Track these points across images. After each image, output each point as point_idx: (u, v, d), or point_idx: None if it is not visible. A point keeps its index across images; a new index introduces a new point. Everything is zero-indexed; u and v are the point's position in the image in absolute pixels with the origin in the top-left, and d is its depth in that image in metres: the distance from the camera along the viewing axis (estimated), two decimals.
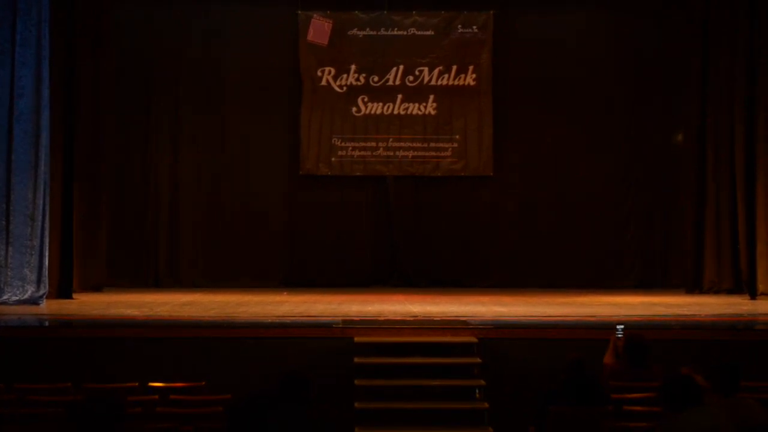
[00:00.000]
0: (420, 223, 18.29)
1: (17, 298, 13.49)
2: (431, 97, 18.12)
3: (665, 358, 8.94)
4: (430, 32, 18.16)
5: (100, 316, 12.25)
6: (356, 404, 9.62)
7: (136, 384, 8.33)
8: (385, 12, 18.07)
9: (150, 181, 18.07)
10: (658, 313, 12.87)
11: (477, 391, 9.93)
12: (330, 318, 11.69)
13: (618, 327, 8.82)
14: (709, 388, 6.61)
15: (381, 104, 18.11)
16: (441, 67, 18.13)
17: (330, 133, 18.11)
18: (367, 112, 18.12)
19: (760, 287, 15.32)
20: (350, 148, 18.12)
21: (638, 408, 7.69)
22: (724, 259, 16.34)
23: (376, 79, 18.09)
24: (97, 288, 16.33)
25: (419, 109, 18.12)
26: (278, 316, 12.05)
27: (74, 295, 15.05)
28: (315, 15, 18.05)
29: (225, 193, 18.25)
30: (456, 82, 18.10)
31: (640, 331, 9.06)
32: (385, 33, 18.14)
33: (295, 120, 18.15)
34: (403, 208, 18.29)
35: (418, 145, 18.12)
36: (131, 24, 17.93)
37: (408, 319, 11.79)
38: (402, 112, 18.12)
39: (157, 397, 8.13)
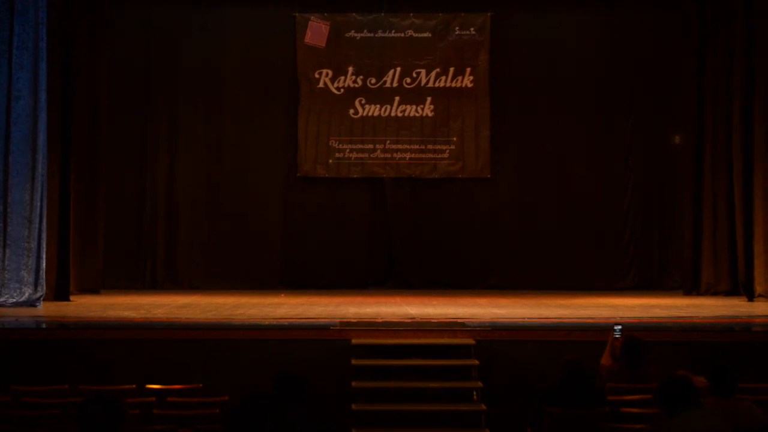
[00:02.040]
0: (417, 224, 18.27)
1: (14, 300, 13.48)
2: (429, 99, 18.12)
3: (663, 359, 8.94)
4: (427, 34, 18.16)
5: (97, 318, 12.23)
6: (353, 406, 9.63)
7: (134, 386, 8.32)
8: (383, 14, 18.07)
9: (147, 182, 18.06)
10: (655, 314, 12.87)
11: (474, 392, 9.93)
12: (327, 320, 11.69)
13: (615, 327, 8.80)
14: (708, 389, 6.62)
15: (378, 106, 18.11)
16: (438, 69, 18.12)
17: (327, 135, 18.11)
18: (365, 114, 18.12)
19: (758, 289, 15.32)
20: (348, 150, 18.12)
21: (635, 410, 7.69)
22: (721, 261, 16.34)
23: (373, 81, 18.09)
24: (94, 290, 16.29)
25: (417, 111, 18.12)
26: (276, 318, 12.05)
27: (71, 297, 15.08)
28: (312, 17, 18.05)
29: (222, 195, 18.23)
30: (453, 84, 18.10)
31: (637, 333, 9.05)
32: (383, 35, 18.14)
33: (292, 122, 18.14)
34: (400, 209, 18.27)
35: (416, 147, 18.12)
36: (128, 26, 17.91)
37: (405, 320, 11.78)
38: (399, 114, 18.13)
39: (154, 399, 8.13)
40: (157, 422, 7.65)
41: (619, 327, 8.79)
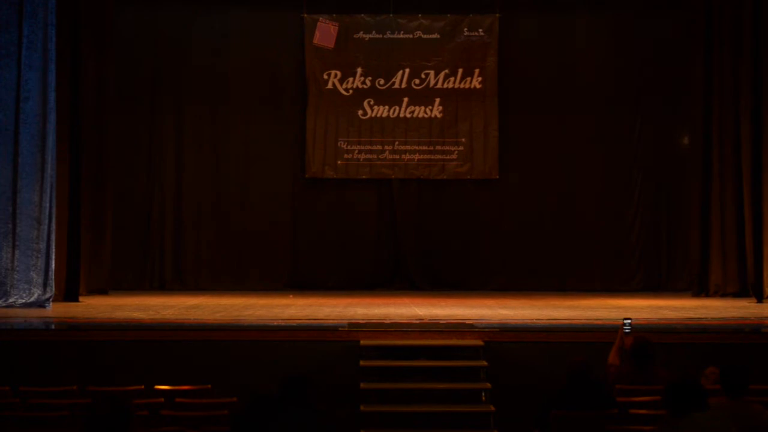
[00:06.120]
0: (425, 225, 18.29)
1: (24, 300, 13.50)
2: (437, 100, 18.12)
3: (672, 361, 8.93)
4: (435, 35, 18.16)
5: (106, 319, 12.25)
6: (362, 407, 9.63)
7: (142, 387, 8.32)
8: (391, 15, 18.07)
9: (155, 183, 18.11)
10: (664, 316, 12.84)
11: (483, 394, 9.92)
12: (336, 321, 11.71)
13: (625, 322, 8.74)
14: (721, 389, 6.60)
15: (387, 107, 18.12)
16: (447, 71, 18.13)
17: (336, 136, 18.12)
18: (373, 115, 18.13)
19: (767, 290, 15.29)
20: (356, 152, 18.13)
21: (643, 411, 7.67)
22: (729, 262, 16.30)
23: (382, 82, 18.10)
24: (102, 291, 16.35)
25: (425, 112, 18.12)
26: (284, 319, 12.07)
27: (80, 298, 15.10)
28: (321, 18, 18.06)
29: (230, 196, 18.26)
30: (462, 86, 18.10)
31: (646, 334, 9.03)
32: (391, 36, 18.15)
33: (300, 123, 18.16)
34: (408, 211, 18.29)
35: (424, 148, 18.13)
36: (136, 27, 17.97)
37: (414, 322, 11.79)
38: (408, 116, 18.13)
39: (162, 400, 8.12)
40: (165, 423, 7.65)
41: (629, 321, 8.74)
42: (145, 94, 18.12)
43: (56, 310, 13.57)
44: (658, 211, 18.24)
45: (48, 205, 13.86)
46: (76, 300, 14.97)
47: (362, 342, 10.32)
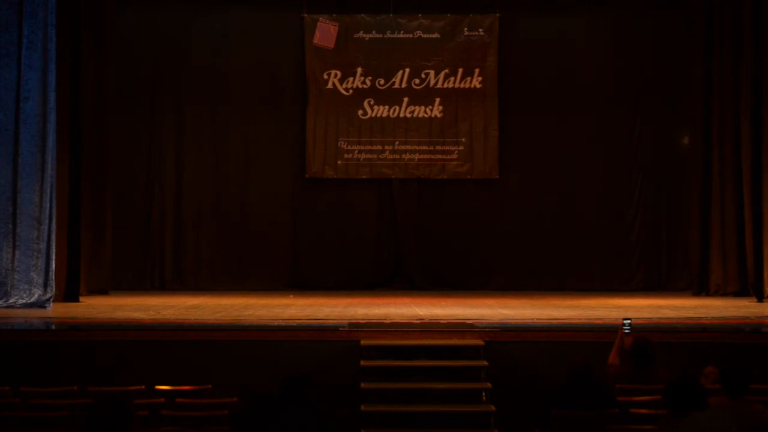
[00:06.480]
0: (425, 225, 18.29)
1: (24, 301, 13.50)
2: (437, 100, 18.12)
3: (672, 360, 8.92)
4: (435, 35, 18.16)
5: (106, 319, 12.26)
6: (362, 407, 9.63)
7: (143, 387, 8.32)
8: (391, 15, 18.07)
9: (155, 183, 18.10)
10: (664, 315, 12.86)
11: (483, 393, 9.92)
12: (336, 321, 11.71)
13: (625, 322, 8.74)
14: (721, 389, 6.60)
15: (387, 107, 18.12)
16: (447, 70, 18.12)
17: (336, 136, 18.12)
18: (373, 115, 18.13)
19: (767, 290, 15.30)
20: (356, 151, 18.13)
21: (644, 411, 7.66)
22: (730, 262, 16.31)
23: (382, 82, 18.10)
24: (102, 291, 16.36)
25: (425, 112, 18.12)
26: (285, 319, 12.07)
27: (80, 298, 15.10)
28: (321, 18, 18.06)
29: (230, 196, 18.26)
30: (462, 85, 18.10)
31: (646, 334, 9.03)
32: (391, 36, 18.15)
33: (301, 123, 18.16)
34: (408, 211, 18.29)
35: (424, 148, 18.12)
36: (136, 27, 17.96)
37: (414, 321, 11.79)
38: (408, 115, 18.13)
39: (163, 400, 8.12)
40: (165, 423, 7.64)
41: (629, 321, 8.74)
42: (145, 94, 18.12)
43: (56, 310, 13.57)
44: (658, 211, 18.24)
45: (48, 205, 13.86)
46: (77, 300, 14.97)
47: (362, 342, 10.33)
